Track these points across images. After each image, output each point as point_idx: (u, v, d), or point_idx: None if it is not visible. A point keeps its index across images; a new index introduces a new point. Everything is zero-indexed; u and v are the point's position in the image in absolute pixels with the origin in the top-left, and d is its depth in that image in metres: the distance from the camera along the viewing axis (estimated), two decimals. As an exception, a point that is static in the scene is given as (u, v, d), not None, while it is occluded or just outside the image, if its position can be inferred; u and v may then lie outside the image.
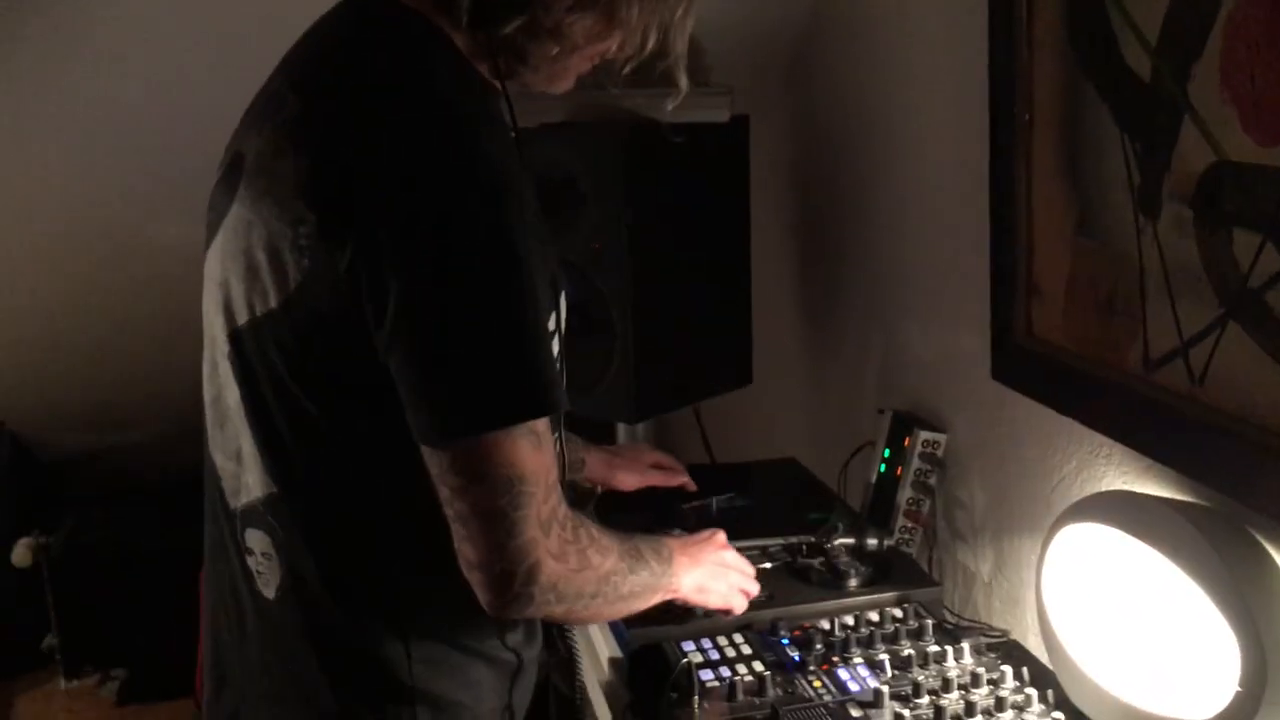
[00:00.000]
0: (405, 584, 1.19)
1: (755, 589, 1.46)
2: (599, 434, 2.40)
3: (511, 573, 1.10)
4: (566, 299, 1.23)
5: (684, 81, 1.22)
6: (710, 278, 2.12)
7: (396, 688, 1.19)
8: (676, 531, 1.61)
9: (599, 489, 1.91)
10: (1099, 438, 1.39)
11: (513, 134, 1.16)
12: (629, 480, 1.81)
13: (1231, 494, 1.17)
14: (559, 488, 1.15)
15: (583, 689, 2.08)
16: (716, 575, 1.42)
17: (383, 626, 1.18)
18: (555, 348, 1.18)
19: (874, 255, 2.07)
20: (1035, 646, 1.46)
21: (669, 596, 1.36)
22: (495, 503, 1.08)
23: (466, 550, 1.11)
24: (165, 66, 2.16)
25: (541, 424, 1.11)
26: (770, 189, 2.37)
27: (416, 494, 1.13)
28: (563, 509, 1.16)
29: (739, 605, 1.44)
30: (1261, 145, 1.08)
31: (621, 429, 2.31)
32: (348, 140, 1.08)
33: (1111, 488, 1.39)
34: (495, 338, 1.07)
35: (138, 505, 3.15)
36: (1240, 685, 1.08)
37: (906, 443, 1.80)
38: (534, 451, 1.09)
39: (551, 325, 1.16)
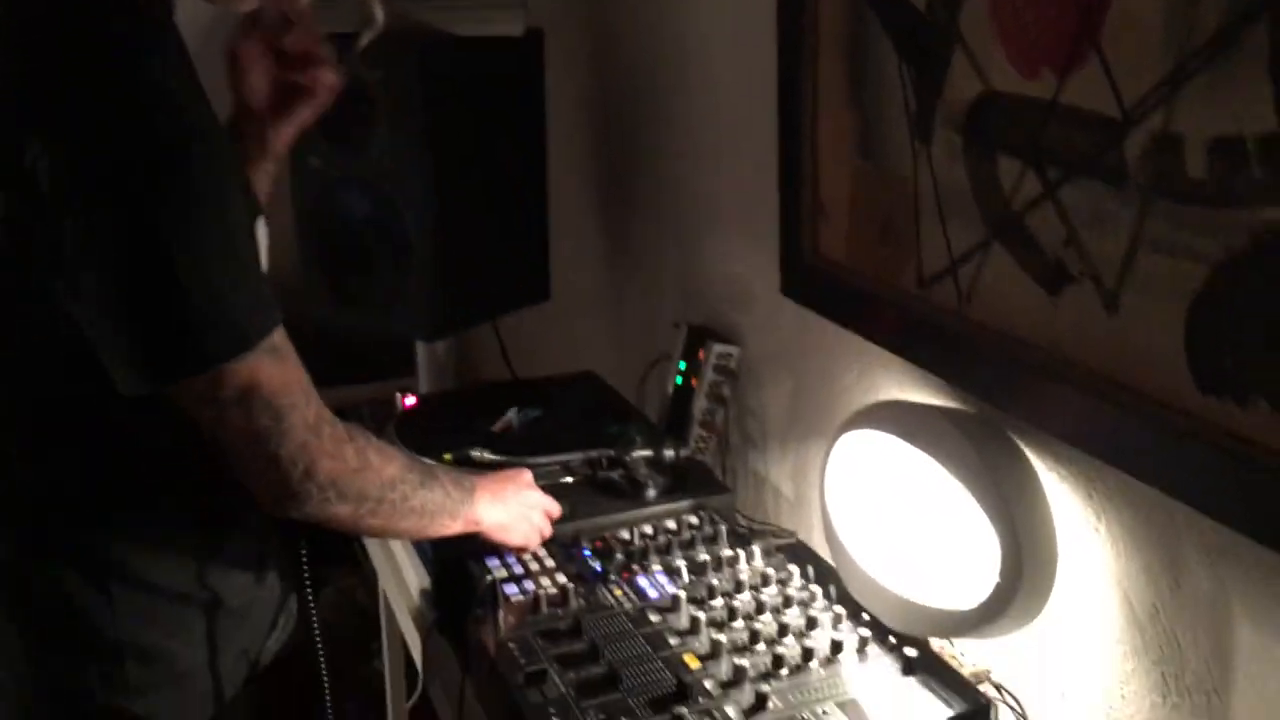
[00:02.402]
0: (93, 528, 1.17)
1: (549, 531, 1.48)
2: (398, 352, 2.37)
3: (288, 474, 1.11)
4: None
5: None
6: (508, 194, 2.11)
7: (96, 640, 1.18)
8: (478, 452, 1.63)
9: None
10: (878, 350, 1.48)
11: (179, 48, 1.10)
12: None
13: (992, 401, 1.28)
14: (315, 391, 1.16)
15: (386, 608, 2.09)
16: (521, 516, 1.43)
17: (74, 574, 1.16)
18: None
19: (670, 173, 2.10)
20: (820, 544, 1.56)
21: (471, 529, 1.38)
22: (256, 424, 1.09)
23: (240, 467, 1.12)
24: None
25: (278, 336, 1.10)
26: (568, 104, 2.36)
27: (107, 436, 1.14)
28: (328, 412, 1.17)
29: (536, 545, 1.46)
30: (1024, 78, 1.16)
31: (421, 347, 2.29)
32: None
33: (889, 396, 1.48)
34: (196, 269, 1.03)
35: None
36: (999, 577, 1.19)
37: (701, 355, 1.85)
38: (278, 367, 1.09)
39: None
